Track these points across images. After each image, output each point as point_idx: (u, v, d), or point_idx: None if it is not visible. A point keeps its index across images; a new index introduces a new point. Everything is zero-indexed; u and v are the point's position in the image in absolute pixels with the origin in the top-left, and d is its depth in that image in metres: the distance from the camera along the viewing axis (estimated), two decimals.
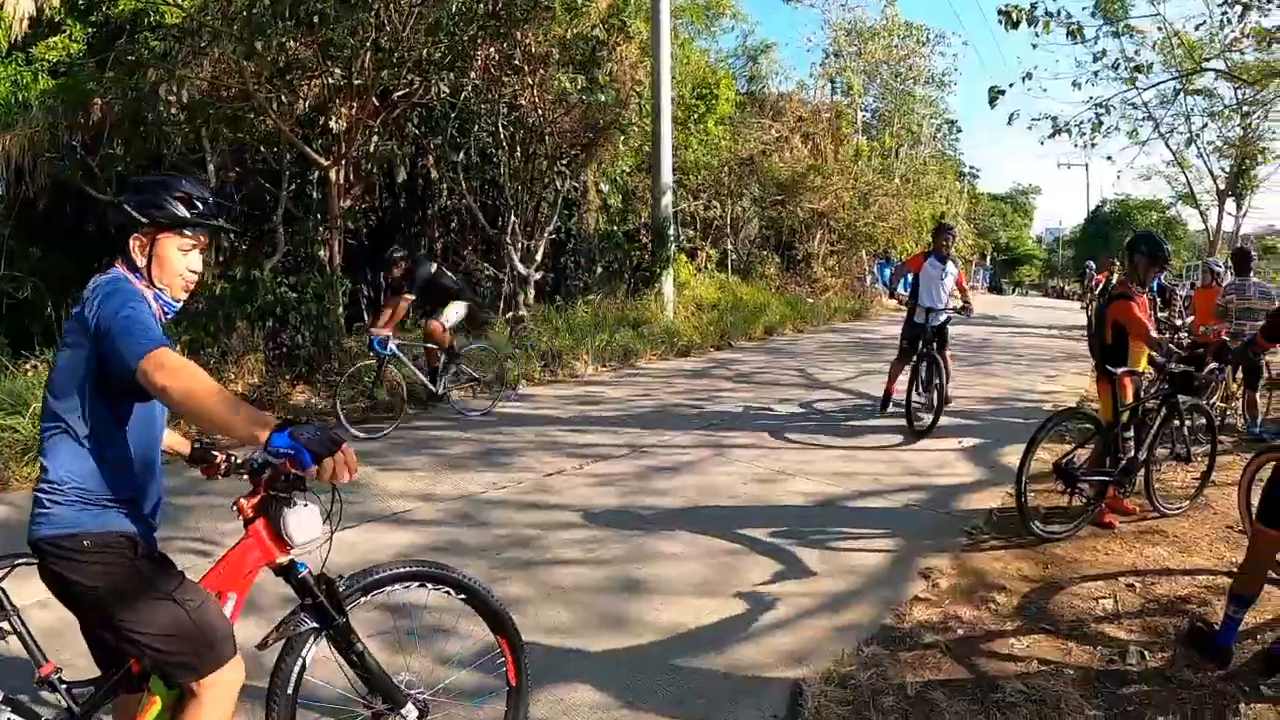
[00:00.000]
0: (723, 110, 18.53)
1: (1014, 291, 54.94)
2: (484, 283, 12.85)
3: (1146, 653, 3.72)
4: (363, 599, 2.22)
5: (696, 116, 17.64)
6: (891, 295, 9.15)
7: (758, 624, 3.79)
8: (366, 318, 10.51)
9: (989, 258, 55.44)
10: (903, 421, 7.62)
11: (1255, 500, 4.45)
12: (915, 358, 7.85)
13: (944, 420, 8.13)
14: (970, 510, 5.61)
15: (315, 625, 2.09)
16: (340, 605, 2.11)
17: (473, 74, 10.02)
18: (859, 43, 31.40)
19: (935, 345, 7.88)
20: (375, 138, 10.10)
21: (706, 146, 18.03)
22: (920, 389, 7.76)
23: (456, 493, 5.39)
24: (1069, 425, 5.77)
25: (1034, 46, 15.28)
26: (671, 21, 16.43)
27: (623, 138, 13.37)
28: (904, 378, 8.00)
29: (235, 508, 2.04)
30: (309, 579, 2.09)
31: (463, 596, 2.34)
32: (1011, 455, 6.65)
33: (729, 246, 19.76)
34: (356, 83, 9.50)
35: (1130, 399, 5.50)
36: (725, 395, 9.13)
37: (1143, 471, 5.50)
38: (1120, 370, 5.39)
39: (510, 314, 11.78)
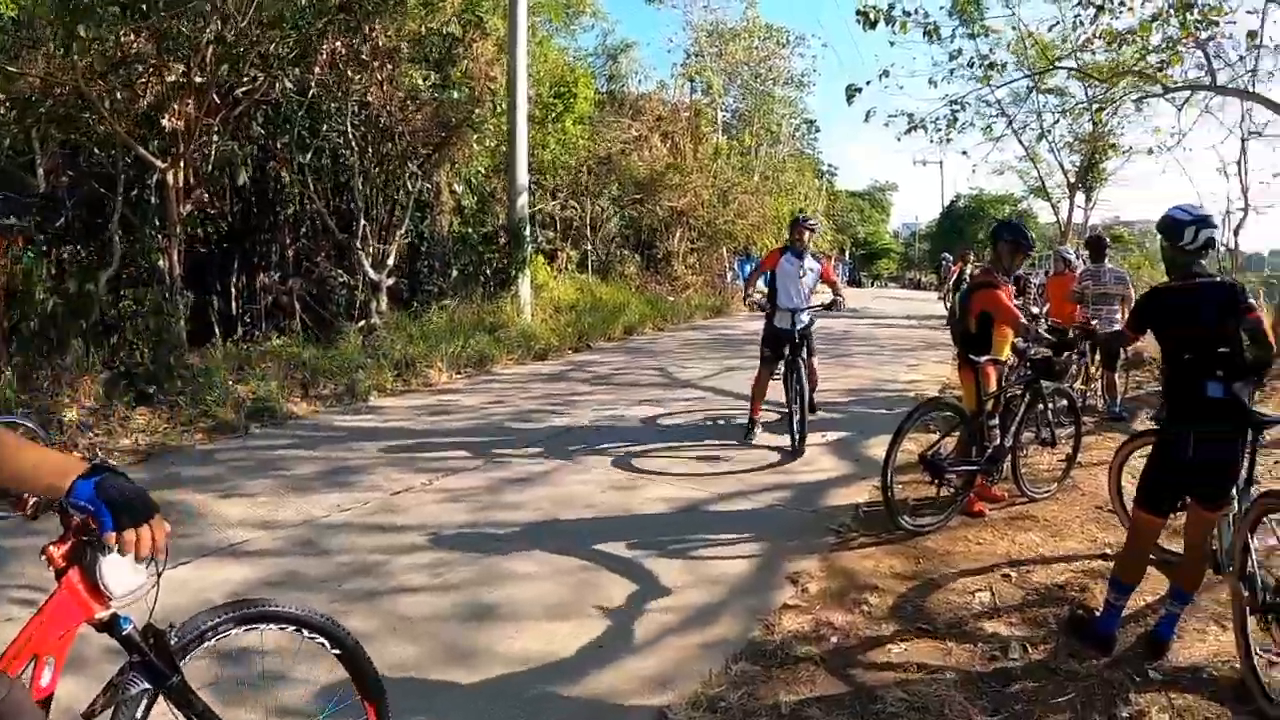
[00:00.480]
0: (581, 109, 18.41)
1: (874, 284, 57.01)
2: (338, 290, 12.38)
3: (1028, 646, 3.72)
4: (198, 649, 1.96)
5: (554, 115, 17.46)
6: (746, 300, 8.21)
7: (618, 646, 3.60)
8: (217, 330, 10.00)
9: (848, 252, 57.31)
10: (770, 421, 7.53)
11: (1127, 486, 4.63)
12: (784, 367, 7.16)
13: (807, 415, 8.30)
14: (838, 507, 5.59)
15: (146, 685, 1.81)
16: (173, 660, 1.83)
17: (318, 69, 9.56)
18: (720, 44, 31.85)
19: (802, 351, 7.18)
20: (216, 138, 9.53)
21: (564, 146, 17.91)
22: (794, 400, 6.94)
23: (299, 518, 5.06)
24: (934, 416, 5.85)
25: (891, 44, 15.91)
26: (530, 19, 16.24)
27: (477, 137, 13.10)
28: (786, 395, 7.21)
29: (44, 556, 1.68)
30: (134, 634, 1.77)
31: (311, 635, 2.13)
32: (877, 447, 6.78)
33: (589, 247, 19.73)
34: (199, 80, 8.96)
35: (994, 387, 5.57)
36: (583, 399, 9.03)
37: (1009, 458, 5.59)
38: (983, 359, 5.45)
39: (363, 322, 11.38)
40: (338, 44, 9.43)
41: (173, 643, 1.86)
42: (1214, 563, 4.08)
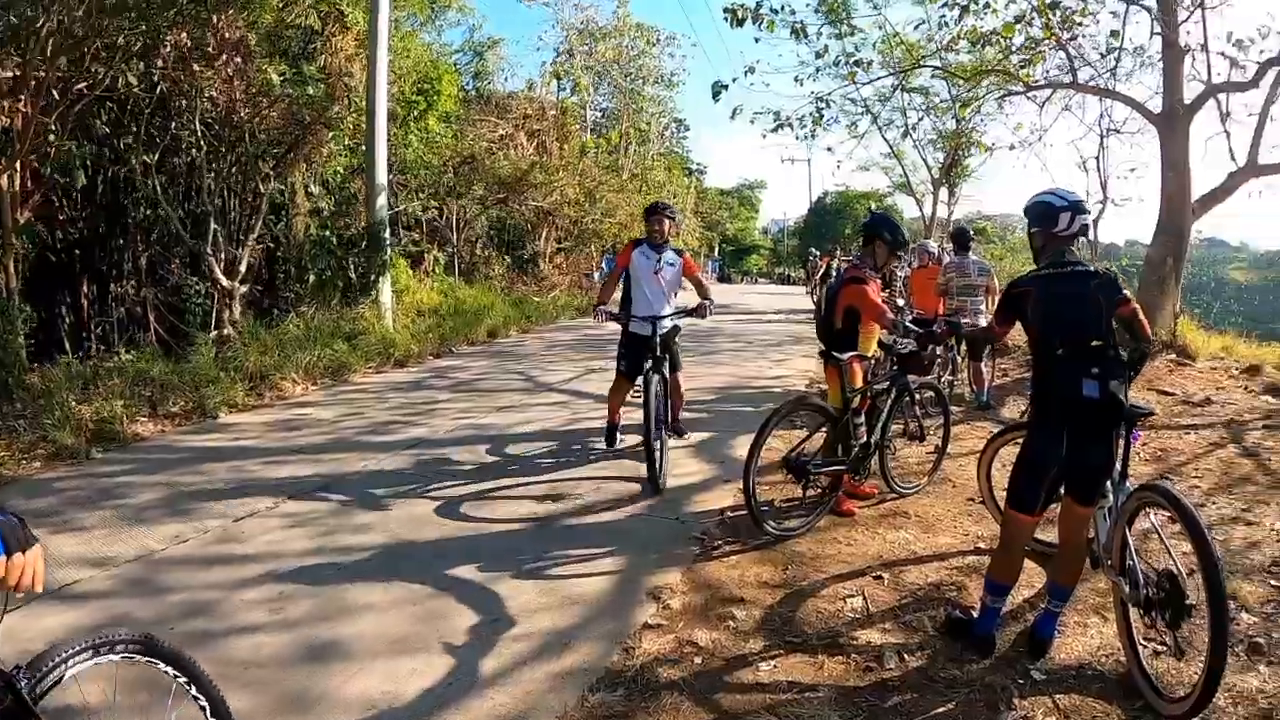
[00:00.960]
0: (445, 107, 18.16)
1: (743, 281, 58.16)
2: (193, 299, 11.85)
3: (905, 654, 3.63)
4: (55, 689, 1.87)
5: (417, 113, 17.19)
6: (597, 311, 6.61)
7: (467, 683, 3.41)
8: (67, 345, 9.43)
9: (717, 249, 58.36)
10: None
11: (998, 479, 4.67)
12: (643, 382, 6.09)
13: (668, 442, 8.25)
14: (702, 513, 5.54)
15: None
16: (28, 706, 1.76)
17: (160, 63, 9.08)
18: (590, 42, 31.95)
19: (665, 363, 6.36)
20: (52, 137, 8.96)
21: (428, 145, 17.64)
22: (654, 425, 5.94)
23: (135, 552, 4.77)
24: (798, 415, 5.69)
25: (756, 40, 16.20)
26: (393, 12, 15.87)
27: (335, 136, 12.76)
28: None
29: None
30: None
31: (169, 668, 2.13)
32: (742, 448, 6.48)
33: (454, 248, 19.50)
34: (40, 74, 8.41)
35: (859, 383, 5.54)
36: (441, 408, 8.88)
37: (877, 455, 5.59)
38: (847, 355, 5.40)
39: (215, 333, 10.95)
40: (183, 35, 8.95)
41: (23, 686, 1.80)
42: (1091, 556, 3.97)
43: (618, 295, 6.95)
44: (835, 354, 5.49)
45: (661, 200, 6.63)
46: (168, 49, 9.41)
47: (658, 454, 5.96)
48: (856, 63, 14.61)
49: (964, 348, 9.20)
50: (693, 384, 10.10)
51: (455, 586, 4.38)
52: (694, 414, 8.40)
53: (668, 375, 6.41)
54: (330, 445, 7.26)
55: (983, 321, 8.75)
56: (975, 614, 3.84)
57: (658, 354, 6.22)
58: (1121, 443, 3.65)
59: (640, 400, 6.20)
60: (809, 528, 5.20)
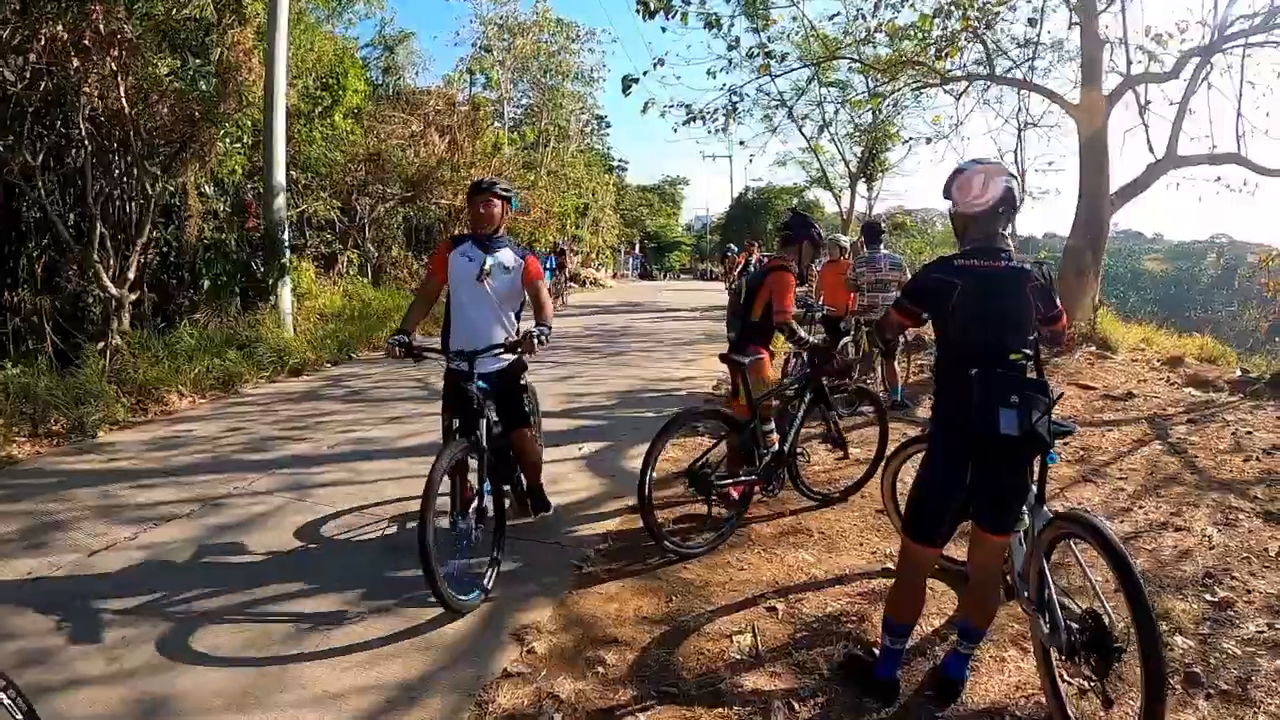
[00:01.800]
0: (352, 102, 17.79)
1: (665, 277, 58.32)
2: (90, 307, 11.38)
3: (795, 703, 3.29)
4: None
5: (322, 109, 16.80)
6: (389, 343, 4.66)
7: None
8: None
9: (638, 246, 58.51)
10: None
11: (904, 492, 4.42)
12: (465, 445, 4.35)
13: (563, 425, 7.90)
14: (584, 536, 5.24)
15: None
16: None
17: (33, 57, 8.63)
18: (509, 38, 31.66)
19: (498, 419, 4.72)
20: None
21: (334, 142, 17.25)
22: (459, 507, 4.48)
23: None
24: (701, 423, 5.37)
25: (663, 30, 15.99)
26: (296, 4, 15.46)
27: (229, 133, 12.36)
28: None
29: None
30: None
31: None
32: (637, 459, 6.27)
33: (363, 249, 19.11)
34: None
35: (768, 384, 5.30)
36: (328, 420, 8.62)
37: (789, 464, 5.33)
38: (749, 359, 5.16)
39: (102, 344, 10.52)
40: (58, 28, 8.53)
41: None
42: (1006, 586, 3.60)
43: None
44: (737, 356, 5.24)
45: (489, 177, 4.79)
46: (43, 42, 8.94)
47: (491, 558, 4.45)
48: (769, 54, 14.67)
49: (877, 346, 9.04)
50: (592, 388, 10.08)
51: (304, 623, 4.12)
52: (588, 421, 8.30)
53: (501, 438, 4.70)
54: (205, 465, 6.99)
55: None
56: (876, 654, 3.47)
57: (476, 406, 4.42)
58: (1039, 464, 3.28)
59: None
60: (715, 547, 4.96)
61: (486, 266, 4.68)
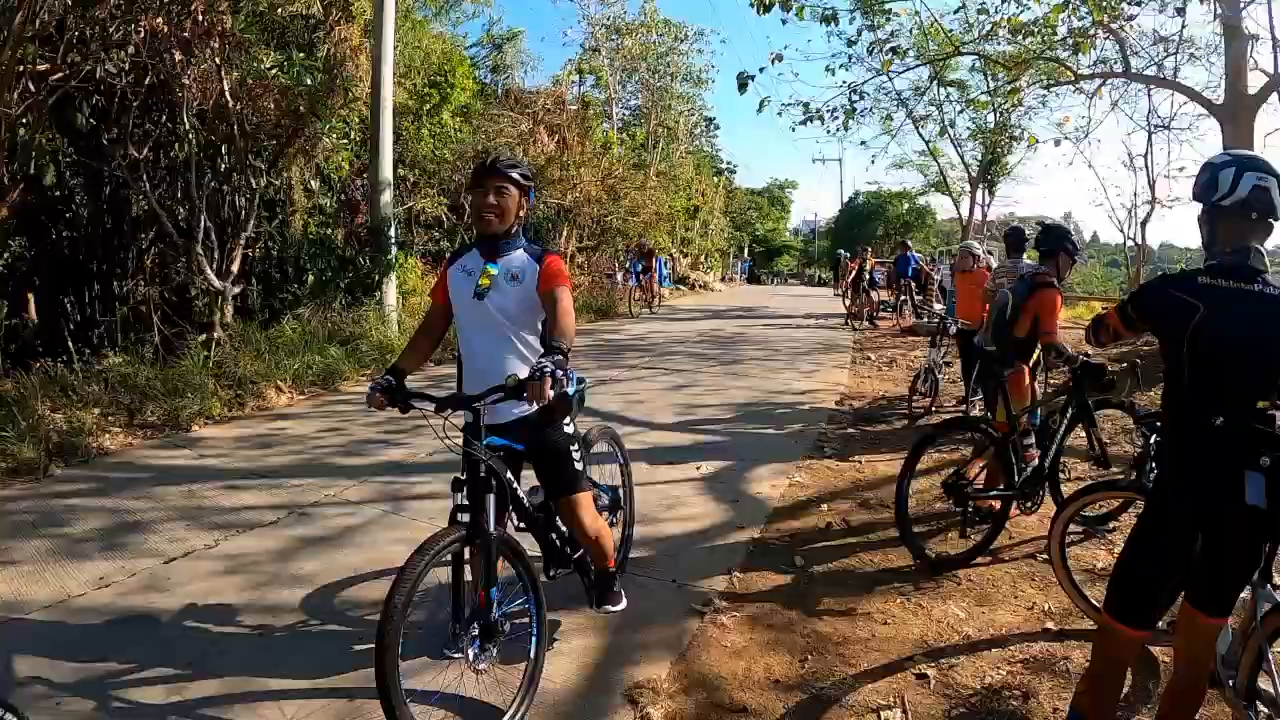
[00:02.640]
0: (459, 100, 17.55)
1: (772, 281, 57.37)
2: (197, 299, 11.30)
3: None
4: None
5: (430, 107, 16.59)
6: (371, 391, 3.29)
7: None
8: (70, 345, 8.90)
9: (747, 250, 57.66)
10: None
11: (1077, 559, 3.99)
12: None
13: (680, 441, 7.35)
14: (705, 574, 4.53)
15: None
16: None
17: (132, 49, 8.45)
18: (617, 38, 31.36)
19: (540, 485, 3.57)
20: (22, 130, 8.39)
21: (441, 140, 17.03)
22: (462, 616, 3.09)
23: (50, 597, 4.16)
24: (959, 435, 5.13)
25: (783, 23, 15.19)
26: (406, 2, 15.35)
27: (336, 129, 12.14)
28: None
29: None
30: None
31: None
32: (763, 482, 6.03)
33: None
34: (23, 66, 7.91)
35: (1028, 399, 5.10)
36: (428, 424, 8.04)
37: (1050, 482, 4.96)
38: (1008, 372, 4.99)
39: (204, 336, 10.35)
40: (158, 20, 8.33)
41: None
42: (1210, 676, 2.92)
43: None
44: (996, 368, 5.03)
45: (498, 153, 3.54)
46: (142, 35, 8.74)
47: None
48: (893, 49, 13.67)
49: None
50: (708, 399, 9.37)
51: (420, 669, 3.42)
52: (708, 436, 7.65)
53: (497, 515, 3.17)
54: (297, 468, 6.57)
55: None
56: None
57: (483, 474, 3.07)
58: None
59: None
60: (971, 560, 4.59)
61: (492, 281, 3.30)
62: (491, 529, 3.01)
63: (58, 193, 10.53)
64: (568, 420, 3.45)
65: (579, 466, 3.47)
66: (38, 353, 9.36)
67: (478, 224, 3.36)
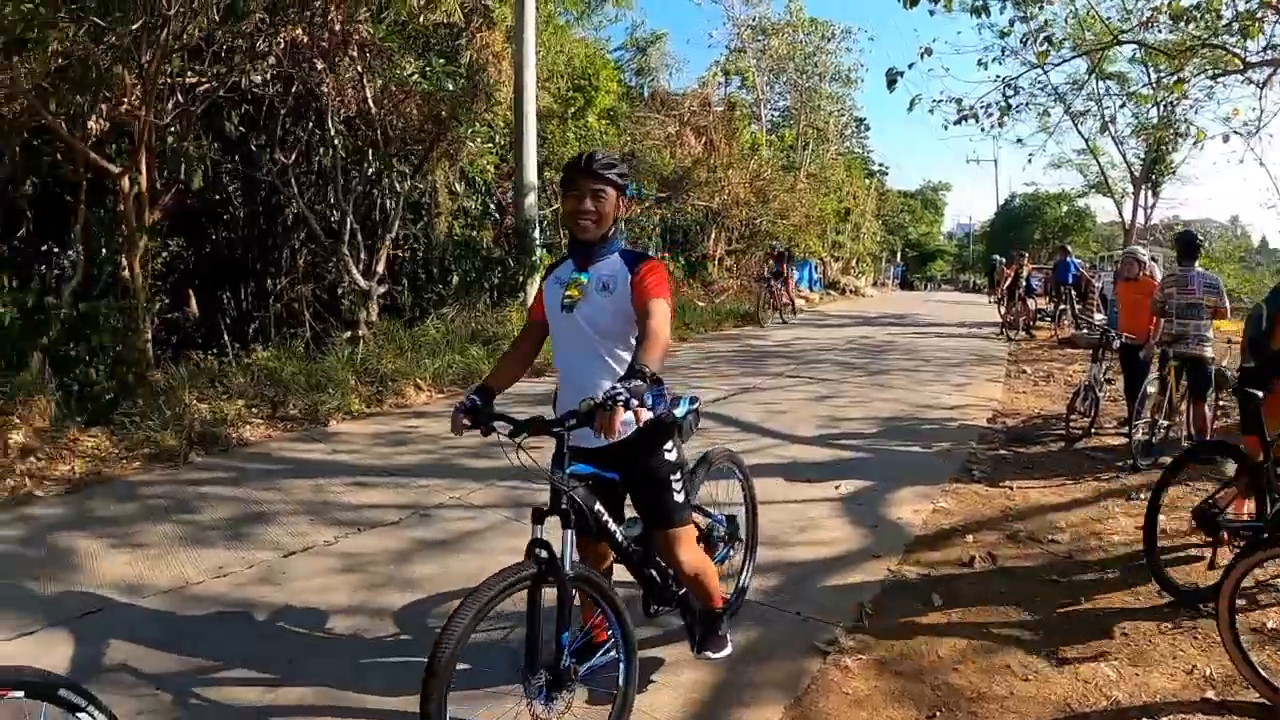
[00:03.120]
0: (605, 103, 17.48)
1: (925, 287, 55.37)
2: (343, 298, 11.58)
3: None
4: None
5: (574, 110, 16.56)
6: (456, 414, 2.90)
7: None
8: (229, 345, 9.29)
9: (899, 254, 55.89)
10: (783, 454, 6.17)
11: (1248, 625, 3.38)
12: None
13: (820, 456, 6.84)
14: (833, 606, 4.03)
15: None
16: None
17: (273, 60, 8.64)
18: (763, 38, 30.85)
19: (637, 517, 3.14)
20: (170, 139, 8.72)
21: (587, 142, 16.97)
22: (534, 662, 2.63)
23: (170, 582, 4.19)
24: (1212, 459, 4.66)
25: (931, 14, 14.14)
26: (546, 7, 15.37)
27: (473, 132, 12.16)
28: None
29: None
30: None
31: None
32: (904, 505, 5.47)
33: None
34: (169, 79, 8.24)
35: None
36: (504, 449, 7.71)
37: None
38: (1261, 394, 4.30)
39: (349, 333, 10.53)
40: (299, 32, 8.47)
41: None
42: None
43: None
44: (1251, 388, 4.35)
45: (594, 152, 2.98)
46: (282, 46, 8.92)
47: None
48: (1048, 39, 12.61)
49: (1184, 383, 7.24)
50: (852, 412, 8.75)
51: (485, 683, 3.07)
52: (850, 453, 7.07)
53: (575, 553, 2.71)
54: (426, 468, 6.43)
55: (1208, 351, 6.98)
56: None
57: (565, 506, 2.67)
58: None
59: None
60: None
61: (572, 289, 2.91)
62: (568, 567, 2.61)
63: (216, 196, 11.04)
64: (669, 447, 2.99)
65: (679, 498, 3.01)
66: (197, 345, 9.90)
67: (573, 229, 2.94)
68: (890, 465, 6.64)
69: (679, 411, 3.00)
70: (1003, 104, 13.20)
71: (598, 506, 2.81)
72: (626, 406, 2.35)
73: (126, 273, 8.60)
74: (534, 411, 2.76)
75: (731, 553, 3.75)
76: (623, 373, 2.68)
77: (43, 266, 9.49)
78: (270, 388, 8.35)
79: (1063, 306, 18.13)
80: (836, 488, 5.94)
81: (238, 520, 5.21)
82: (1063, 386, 10.73)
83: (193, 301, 11.22)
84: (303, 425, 7.80)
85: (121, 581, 4.21)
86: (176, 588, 4.16)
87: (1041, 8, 13.82)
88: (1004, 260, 24.33)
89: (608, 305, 2.86)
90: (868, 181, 41.50)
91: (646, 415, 2.55)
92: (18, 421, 6.74)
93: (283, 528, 5.06)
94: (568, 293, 2.90)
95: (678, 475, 3.00)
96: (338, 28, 8.67)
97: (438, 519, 5.27)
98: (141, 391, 7.72)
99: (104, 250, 9.28)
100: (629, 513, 3.13)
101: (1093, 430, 7.90)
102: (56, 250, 9.56)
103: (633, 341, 2.83)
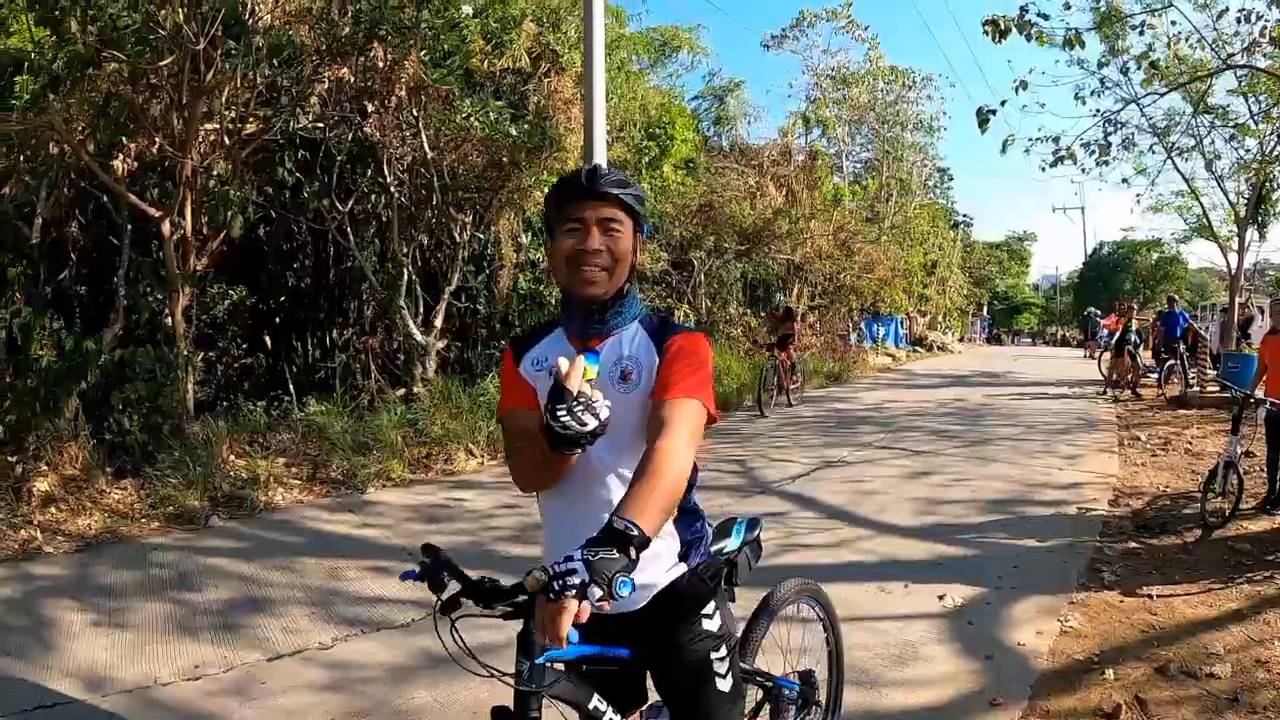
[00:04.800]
0: (680, 152, 16.87)
1: (1013, 341, 53.29)
2: (397, 353, 11.11)
3: None
4: None
5: (649, 160, 15.98)
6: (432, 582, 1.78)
7: None
8: (294, 399, 8.89)
9: (986, 307, 54.01)
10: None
11: None
12: None
13: (918, 552, 5.78)
14: None
15: None
16: None
17: (315, 99, 8.20)
18: (843, 88, 30.16)
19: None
20: (213, 182, 8.36)
21: (662, 193, 16.35)
22: None
23: (136, 680, 3.66)
24: None
25: (1027, 40, 13.07)
26: (619, 55, 14.92)
27: (543, 181, 11.64)
28: None
29: None
30: None
31: None
32: (1026, 627, 4.37)
33: (689, 304, 17.93)
34: (220, 123, 7.93)
35: None
36: (438, 631, 6.89)
37: None
38: None
39: (402, 390, 9.96)
40: (344, 72, 8.03)
41: None
42: None
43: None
44: None
45: (602, 166, 1.97)
46: (326, 86, 8.52)
47: None
48: (1152, 64, 11.54)
49: None
50: (952, 493, 7.62)
51: None
52: (955, 548, 5.84)
53: None
54: (459, 553, 5.37)
55: None
56: None
57: (532, 711, 1.75)
58: None
59: None
60: None
61: (572, 376, 1.71)
62: None
63: (284, 245, 10.76)
64: (711, 610, 2.02)
65: (725, 685, 2.00)
66: (265, 391, 9.68)
67: (573, 283, 1.90)
68: (1003, 565, 5.47)
69: (731, 543, 2.10)
70: (1102, 142, 12.16)
71: (595, 702, 1.86)
72: (583, 596, 1.42)
73: (170, 320, 8.26)
74: None
75: None
76: (608, 473, 1.87)
77: (84, 310, 9.32)
78: (315, 445, 7.96)
79: (1171, 362, 16.63)
80: (940, 598, 4.83)
81: (235, 605, 4.65)
82: (1183, 455, 9.48)
83: (268, 345, 10.99)
84: (340, 490, 7.29)
85: (88, 673, 3.76)
86: (142, 687, 3.62)
87: (1141, 33, 12.77)
88: (1098, 313, 22.82)
89: (631, 404, 1.87)
90: (952, 233, 40.11)
91: (610, 605, 1.48)
92: (45, 469, 6.52)
93: (280, 620, 4.40)
94: (577, 378, 1.75)
95: (723, 653, 2.01)
96: (381, 65, 8.16)
97: (459, 623, 4.39)
98: (176, 444, 7.34)
99: (143, 297, 9.07)
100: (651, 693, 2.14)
101: (1233, 513, 6.69)
102: (100, 294, 9.39)
103: (632, 447, 1.85)
